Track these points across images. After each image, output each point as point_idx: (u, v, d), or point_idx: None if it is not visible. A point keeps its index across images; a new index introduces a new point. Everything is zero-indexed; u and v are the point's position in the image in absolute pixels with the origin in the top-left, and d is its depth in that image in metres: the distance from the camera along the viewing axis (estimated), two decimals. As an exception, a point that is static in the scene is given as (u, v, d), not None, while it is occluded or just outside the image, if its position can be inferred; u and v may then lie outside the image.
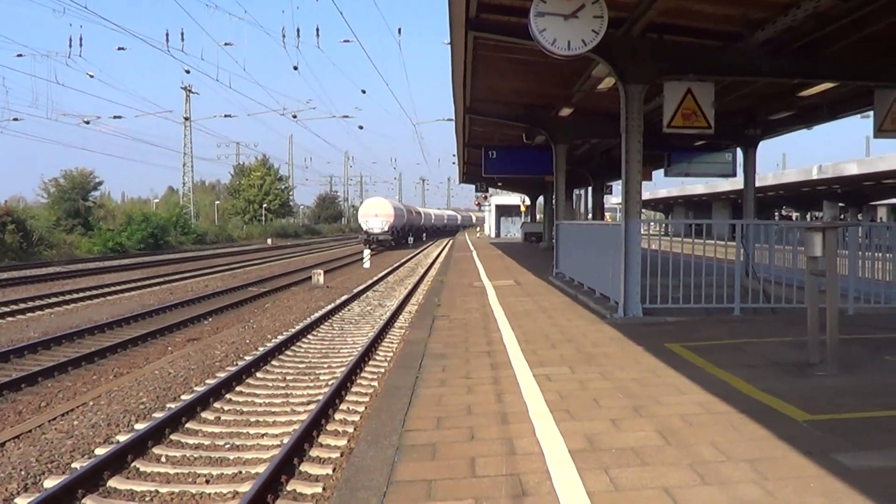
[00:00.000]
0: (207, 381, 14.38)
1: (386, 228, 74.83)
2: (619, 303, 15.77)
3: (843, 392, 8.95)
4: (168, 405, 12.76)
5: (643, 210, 17.47)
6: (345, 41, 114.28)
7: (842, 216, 78.83)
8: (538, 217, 73.06)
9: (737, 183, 39.71)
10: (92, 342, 19.04)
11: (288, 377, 15.03)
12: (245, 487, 8.67)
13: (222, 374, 14.72)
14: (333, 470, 9.54)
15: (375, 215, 75.00)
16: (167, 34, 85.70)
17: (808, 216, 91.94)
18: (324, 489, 8.86)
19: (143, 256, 60.53)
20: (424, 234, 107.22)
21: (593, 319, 15.86)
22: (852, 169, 55.52)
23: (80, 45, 66.61)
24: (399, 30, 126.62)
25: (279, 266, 50.08)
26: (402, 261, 53.17)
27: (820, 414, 7.95)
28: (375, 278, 37.47)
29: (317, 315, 22.86)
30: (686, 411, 8.19)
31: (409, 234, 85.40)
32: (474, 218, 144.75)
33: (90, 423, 11.78)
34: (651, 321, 15.14)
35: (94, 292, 31.09)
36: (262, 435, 11.20)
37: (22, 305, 26.06)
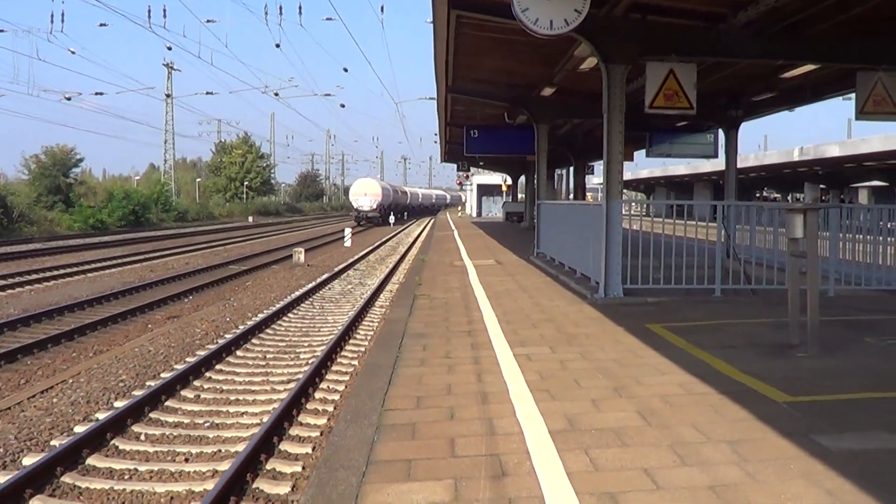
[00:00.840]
0: (187, 359, 14.35)
1: (374, 206, 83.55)
2: (599, 283, 15.80)
3: (823, 373, 8.97)
4: (148, 383, 12.71)
5: (625, 190, 17.46)
6: (327, 19, 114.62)
7: (823, 198, 79.08)
8: (520, 197, 73.32)
9: (718, 164, 39.76)
10: (72, 319, 18.97)
11: (268, 355, 15.00)
12: (224, 466, 8.65)
13: (202, 352, 14.66)
14: (313, 449, 9.53)
15: (365, 194, 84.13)
16: (149, 10, 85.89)
17: (789, 198, 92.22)
18: (303, 468, 8.85)
19: (123, 233, 60.27)
20: (406, 214, 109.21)
21: (574, 299, 15.88)
22: (834, 151, 55.64)
23: (62, 21, 66.94)
24: (382, 7, 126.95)
25: (260, 244, 50.00)
26: (384, 239, 53.24)
27: (800, 395, 7.97)
28: (357, 257, 37.43)
29: (297, 293, 22.84)
30: (666, 392, 8.20)
31: (394, 211, 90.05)
32: (464, 197, 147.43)
33: (70, 401, 11.74)
34: (632, 301, 15.16)
35: (75, 269, 30.97)
36: (242, 413, 11.18)
37: (1, 282, 25.91)
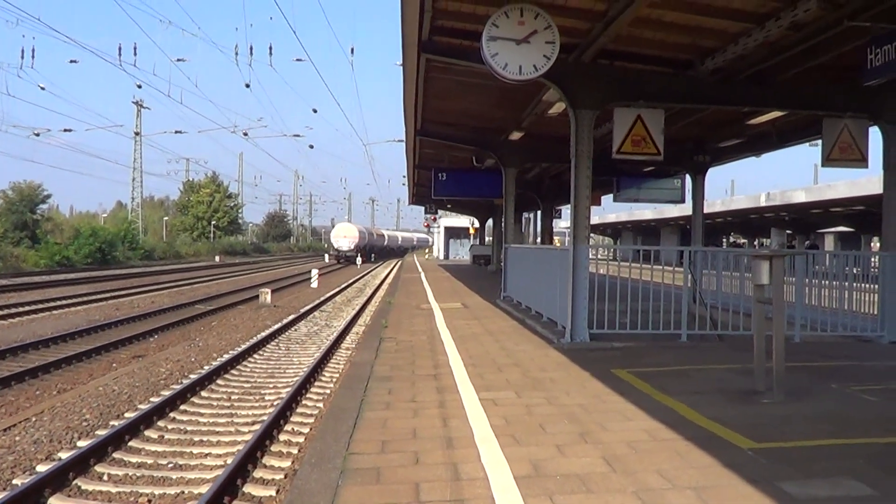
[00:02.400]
0: (152, 399, 14.27)
1: (352, 247, 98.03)
2: (566, 327, 15.78)
3: (789, 420, 8.99)
4: (111, 423, 12.63)
5: (592, 234, 17.50)
6: (297, 60, 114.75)
7: (790, 243, 79.58)
8: (487, 240, 73.62)
9: (685, 209, 40.02)
10: (36, 357, 18.90)
11: (233, 396, 14.95)
12: (187, 508, 8.59)
13: (167, 393, 14.59)
14: (277, 492, 9.48)
15: (344, 237, 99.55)
16: (120, 48, 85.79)
17: (755, 243, 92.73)
18: (267, 511, 8.80)
19: (89, 271, 60.14)
20: (373, 255, 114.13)
21: (540, 344, 15.85)
22: (800, 197, 56.02)
23: (33, 56, 66.59)
24: (352, 49, 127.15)
25: (227, 284, 49.94)
26: (351, 281, 53.21)
27: (766, 442, 7.97)
28: (323, 298, 37.39)
29: (263, 334, 22.78)
30: (632, 438, 8.18)
31: (362, 252, 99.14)
32: (430, 240, 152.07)
33: (32, 440, 11.66)
34: (598, 346, 15.15)
35: (40, 306, 30.86)
36: (206, 455, 11.11)
37: (-36, 319, 25.76)
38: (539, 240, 53.39)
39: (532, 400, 10.24)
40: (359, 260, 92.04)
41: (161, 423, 12.68)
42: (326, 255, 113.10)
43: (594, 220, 74.96)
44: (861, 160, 17.59)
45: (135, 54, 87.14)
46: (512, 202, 28.81)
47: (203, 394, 15.02)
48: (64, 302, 32.85)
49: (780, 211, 64.58)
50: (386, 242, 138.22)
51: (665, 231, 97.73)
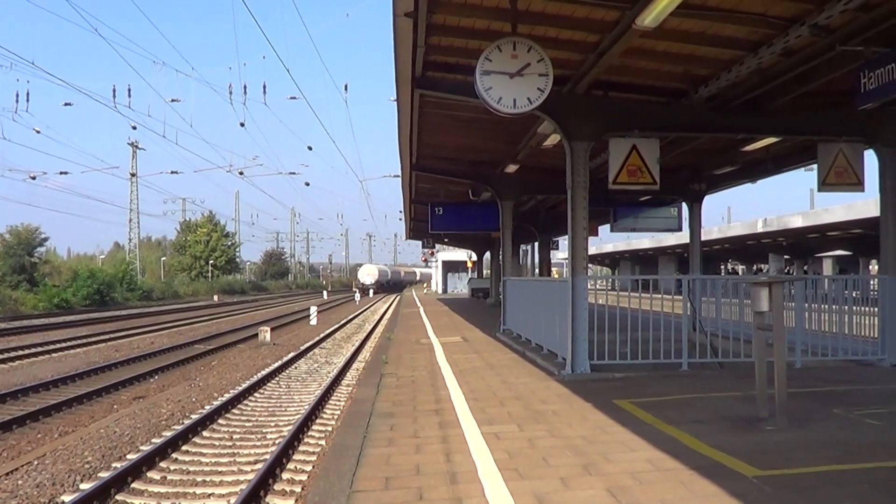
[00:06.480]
0: (153, 440, 14.22)
1: (373, 282, 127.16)
2: (566, 359, 15.72)
3: (792, 446, 8.95)
4: (114, 464, 12.58)
5: (590, 265, 17.48)
6: (291, 98, 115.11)
7: (787, 269, 79.56)
8: (485, 273, 73.62)
9: (682, 237, 39.91)
10: (37, 400, 18.87)
11: (235, 436, 14.90)
12: (191, 550, 8.56)
13: (168, 433, 14.54)
14: (281, 531, 9.44)
15: (367, 275, 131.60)
16: (114, 90, 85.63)
17: (753, 269, 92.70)
18: (271, 551, 8.76)
19: (88, 313, 60.11)
20: (371, 291, 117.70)
21: (541, 376, 15.81)
22: (797, 222, 55.90)
23: (27, 100, 66.34)
24: (345, 86, 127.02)
25: (226, 323, 49.86)
26: (350, 317, 53.14)
27: (770, 469, 7.95)
28: (322, 335, 37.28)
29: (264, 373, 22.72)
30: (635, 468, 8.15)
31: (387, 285, 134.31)
32: (422, 274, 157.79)
33: (34, 483, 11.61)
34: (599, 377, 15.10)
35: (39, 349, 30.82)
36: (210, 495, 11.07)
37: (-36, 364, 25.70)
38: (537, 271, 53.38)
39: (534, 433, 10.21)
40: (357, 297, 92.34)
41: (163, 464, 12.64)
42: (325, 292, 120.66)
43: (592, 250, 75.02)
44: (857, 184, 17.58)
45: (129, 96, 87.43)
46: (509, 234, 28.84)
47: (205, 433, 14.97)
48: (63, 344, 32.75)
49: (777, 237, 64.54)
50: (412, 278, 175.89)
51: (663, 260, 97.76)
